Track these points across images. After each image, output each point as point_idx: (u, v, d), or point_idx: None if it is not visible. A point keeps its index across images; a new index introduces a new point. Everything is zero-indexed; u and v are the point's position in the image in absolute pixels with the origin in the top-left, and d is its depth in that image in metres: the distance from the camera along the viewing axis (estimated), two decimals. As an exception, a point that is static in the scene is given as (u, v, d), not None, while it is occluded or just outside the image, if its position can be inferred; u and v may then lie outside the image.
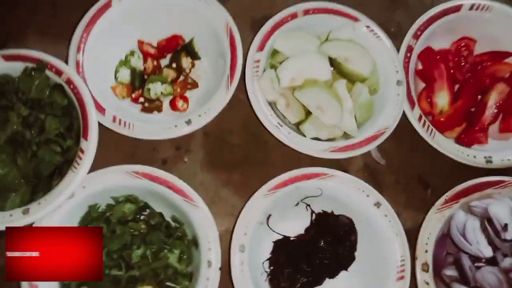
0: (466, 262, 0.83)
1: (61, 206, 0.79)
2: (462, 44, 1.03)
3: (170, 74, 0.97)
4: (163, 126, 0.88)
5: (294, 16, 0.94)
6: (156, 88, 0.95)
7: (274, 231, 0.88)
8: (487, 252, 0.82)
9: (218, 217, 0.82)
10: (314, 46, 0.94)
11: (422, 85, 1.02)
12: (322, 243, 0.86)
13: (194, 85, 0.99)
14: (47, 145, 0.81)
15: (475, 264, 0.83)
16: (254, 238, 0.82)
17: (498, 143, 0.97)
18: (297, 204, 0.89)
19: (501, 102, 0.96)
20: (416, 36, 0.97)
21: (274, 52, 0.94)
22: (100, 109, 0.86)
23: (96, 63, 0.91)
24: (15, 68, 0.86)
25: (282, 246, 0.88)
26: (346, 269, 0.87)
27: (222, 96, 0.88)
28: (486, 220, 0.84)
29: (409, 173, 0.98)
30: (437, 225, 0.85)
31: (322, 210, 0.89)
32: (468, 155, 0.91)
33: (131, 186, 0.83)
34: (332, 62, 0.92)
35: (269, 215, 0.86)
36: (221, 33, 0.93)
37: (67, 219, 0.81)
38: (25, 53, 0.86)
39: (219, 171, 0.94)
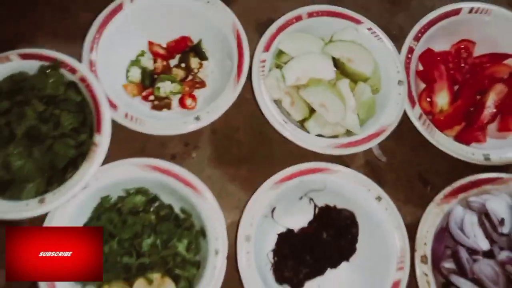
0: (464, 255, 0.83)
1: (75, 197, 0.80)
2: (461, 46, 1.04)
3: (179, 73, 1.00)
4: (172, 123, 0.90)
5: (298, 18, 0.96)
6: (165, 87, 0.97)
7: (278, 223, 0.89)
8: (484, 245, 0.83)
9: (224, 211, 0.83)
10: (318, 47, 0.95)
11: (422, 85, 1.03)
12: (324, 236, 0.87)
13: (202, 84, 1.01)
14: (62, 139, 0.83)
15: (473, 257, 0.84)
16: (259, 230, 0.83)
17: (496, 142, 0.97)
18: (301, 198, 0.90)
19: (499, 102, 0.97)
20: (417, 38, 0.99)
21: (280, 53, 0.96)
22: (113, 105, 0.88)
23: (108, 62, 0.93)
24: (31, 66, 0.88)
25: (286, 239, 0.88)
26: (347, 260, 0.88)
27: (229, 94, 0.89)
28: (484, 215, 0.85)
29: (409, 170, 0.99)
30: (436, 219, 0.86)
31: (325, 204, 0.90)
32: (466, 153, 0.91)
33: (142, 179, 0.84)
34: (336, 62, 0.93)
35: (274, 208, 0.87)
36: (228, 35, 0.95)
37: (80, 209, 0.82)
38: (41, 52, 0.88)
39: (226, 166, 0.96)
